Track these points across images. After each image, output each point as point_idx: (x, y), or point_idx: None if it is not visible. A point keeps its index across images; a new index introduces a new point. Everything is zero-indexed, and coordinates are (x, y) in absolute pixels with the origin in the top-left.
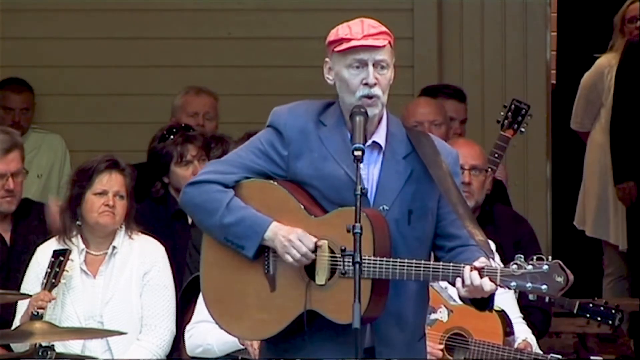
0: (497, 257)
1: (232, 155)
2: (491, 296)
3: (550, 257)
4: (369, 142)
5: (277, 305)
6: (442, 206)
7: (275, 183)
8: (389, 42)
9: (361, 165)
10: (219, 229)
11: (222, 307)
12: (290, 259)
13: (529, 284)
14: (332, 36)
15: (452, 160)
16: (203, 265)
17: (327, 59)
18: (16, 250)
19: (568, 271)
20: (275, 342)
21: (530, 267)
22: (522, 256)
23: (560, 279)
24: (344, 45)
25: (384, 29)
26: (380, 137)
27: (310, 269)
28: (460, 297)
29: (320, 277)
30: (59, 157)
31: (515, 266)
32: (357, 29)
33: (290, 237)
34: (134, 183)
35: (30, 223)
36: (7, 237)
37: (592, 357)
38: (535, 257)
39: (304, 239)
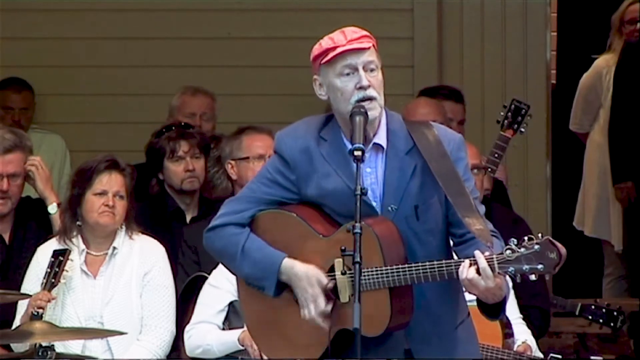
0: None
1: (245, 190)
2: (502, 304)
3: (540, 235)
4: (370, 145)
5: (315, 328)
6: None
7: (285, 210)
8: (373, 45)
9: (368, 170)
10: (240, 274)
11: (269, 341)
12: (305, 318)
13: (525, 266)
14: (315, 51)
15: (455, 146)
16: (242, 303)
17: (315, 77)
18: (15, 250)
19: (559, 245)
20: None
21: (523, 249)
22: (515, 240)
23: (553, 255)
24: (331, 55)
25: (365, 32)
26: (380, 138)
27: (336, 288)
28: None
29: (344, 295)
30: (59, 157)
31: (509, 251)
32: (340, 37)
33: (305, 297)
34: (134, 183)
35: (30, 222)
36: (6, 237)
37: (592, 357)
38: (526, 238)
39: (315, 302)
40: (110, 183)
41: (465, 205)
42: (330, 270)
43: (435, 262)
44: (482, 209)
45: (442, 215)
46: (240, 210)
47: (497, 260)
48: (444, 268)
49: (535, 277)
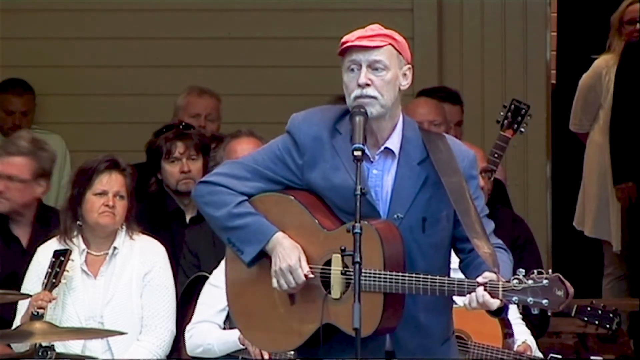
0: None
1: (249, 159)
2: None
3: (550, 271)
4: (381, 148)
5: (297, 319)
6: None
7: (291, 197)
8: (390, 44)
9: (375, 171)
10: (220, 225)
11: (248, 320)
12: (278, 288)
13: (530, 299)
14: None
15: (468, 163)
16: (228, 280)
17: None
18: (31, 255)
19: (568, 284)
20: (302, 352)
21: (530, 281)
22: (523, 271)
23: (560, 293)
24: (341, 48)
25: (384, 31)
26: (393, 143)
27: (327, 282)
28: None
29: (335, 291)
30: (59, 158)
31: (516, 281)
32: (355, 33)
33: (282, 266)
34: (134, 183)
35: (50, 231)
36: (24, 241)
37: (592, 357)
38: (536, 272)
39: (295, 273)
40: (111, 183)
41: (474, 226)
42: (327, 264)
43: (437, 277)
44: (490, 226)
45: (449, 232)
46: (240, 177)
47: (503, 287)
48: (446, 286)
49: (537, 311)
